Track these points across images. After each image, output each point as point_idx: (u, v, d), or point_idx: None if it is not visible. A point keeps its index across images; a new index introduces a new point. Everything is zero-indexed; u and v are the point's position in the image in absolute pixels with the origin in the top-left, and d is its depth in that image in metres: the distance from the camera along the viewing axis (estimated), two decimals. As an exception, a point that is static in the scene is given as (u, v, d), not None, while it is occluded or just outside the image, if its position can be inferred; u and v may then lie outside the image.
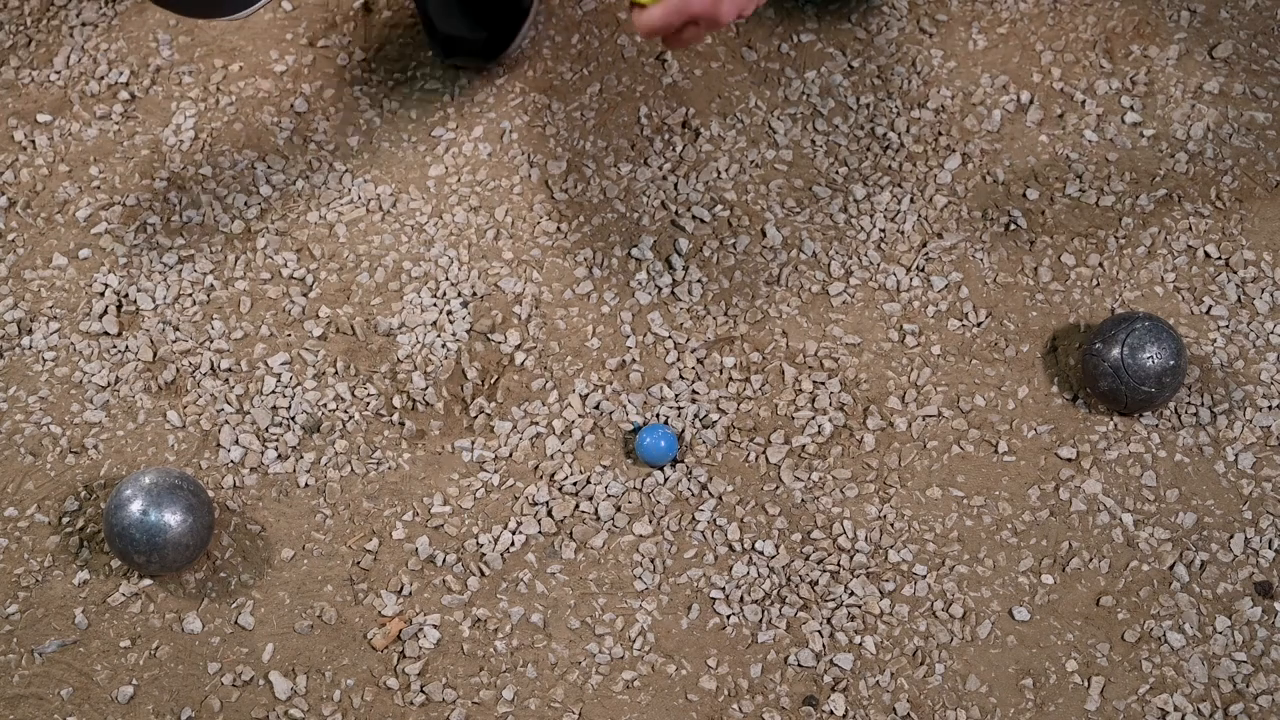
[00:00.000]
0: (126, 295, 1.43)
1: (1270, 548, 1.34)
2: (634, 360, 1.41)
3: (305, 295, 1.44)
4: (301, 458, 1.37)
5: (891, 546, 1.34)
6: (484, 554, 1.33)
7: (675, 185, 1.50)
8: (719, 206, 1.49)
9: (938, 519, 1.35)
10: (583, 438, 1.38)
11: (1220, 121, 1.54)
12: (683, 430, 1.38)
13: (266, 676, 1.28)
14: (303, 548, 1.33)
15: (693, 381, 1.40)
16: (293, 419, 1.38)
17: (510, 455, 1.37)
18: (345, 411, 1.39)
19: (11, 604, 1.30)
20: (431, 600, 1.31)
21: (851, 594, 1.32)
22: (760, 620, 1.31)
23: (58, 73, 1.55)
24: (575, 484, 1.36)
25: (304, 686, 1.28)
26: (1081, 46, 1.58)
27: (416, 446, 1.37)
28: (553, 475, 1.36)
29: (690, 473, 1.36)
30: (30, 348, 1.41)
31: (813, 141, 1.52)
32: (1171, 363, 1.34)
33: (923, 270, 1.46)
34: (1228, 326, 1.44)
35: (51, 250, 1.46)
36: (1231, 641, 1.31)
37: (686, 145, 1.52)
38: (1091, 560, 1.34)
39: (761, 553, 1.33)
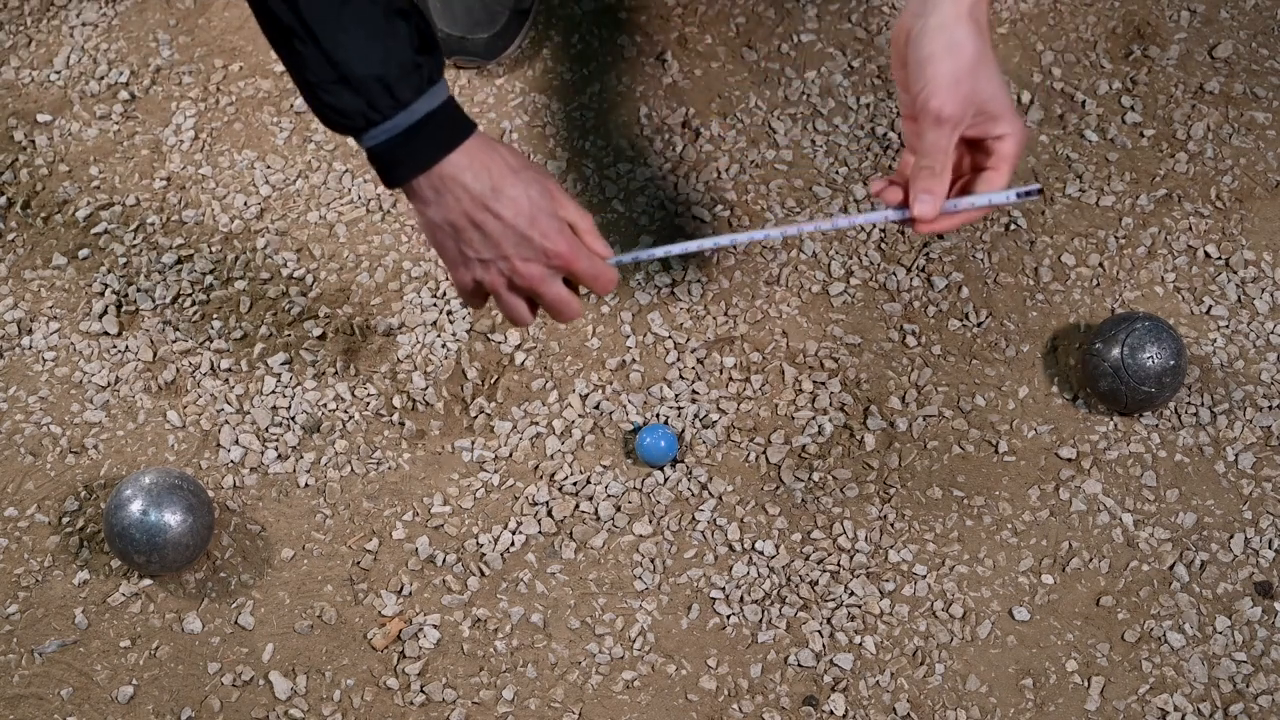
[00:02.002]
0: (126, 295, 1.43)
1: (1270, 548, 1.34)
2: (634, 360, 1.41)
3: (305, 295, 1.44)
4: (301, 458, 1.37)
5: (891, 546, 1.34)
6: (484, 554, 1.33)
7: (675, 185, 1.50)
8: (719, 206, 1.48)
9: (938, 519, 1.35)
10: (583, 438, 1.38)
11: (1220, 121, 1.54)
12: (683, 430, 1.38)
13: (266, 676, 1.28)
14: (303, 548, 1.33)
15: (693, 381, 1.40)
16: (293, 419, 1.38)
17: (510, 455, 1.37)
18: (345, 411, 1.39)
19: (11, 604, 1.30)
20: (431, 600, 1.31)
21: (851, 594, 1.32)
22: (760, 620, 1.31)
23: (58, 73, 1.55)
24: (575, 484, 1.36)
25: (304, 686, 1.28)
26: (1081, 46, 1.58)
27: (416, 446, 1.37)
28: (553, 475, 1.36)
29: (690, 473, 1.36)
30: (30, 348, 1.41)
31: (813, 141, 1.52)
32: (1171, 363, 1.34)
33: (923, 270, 1.46)
34: (1228, 326, 1.44)
35: (51, 250, 1.46)
36: (1231, 641, 1.31)
37: (686, 145, 1.52)
38: (1091, 560, 1.34)
39: (761, 553, 1.33)
